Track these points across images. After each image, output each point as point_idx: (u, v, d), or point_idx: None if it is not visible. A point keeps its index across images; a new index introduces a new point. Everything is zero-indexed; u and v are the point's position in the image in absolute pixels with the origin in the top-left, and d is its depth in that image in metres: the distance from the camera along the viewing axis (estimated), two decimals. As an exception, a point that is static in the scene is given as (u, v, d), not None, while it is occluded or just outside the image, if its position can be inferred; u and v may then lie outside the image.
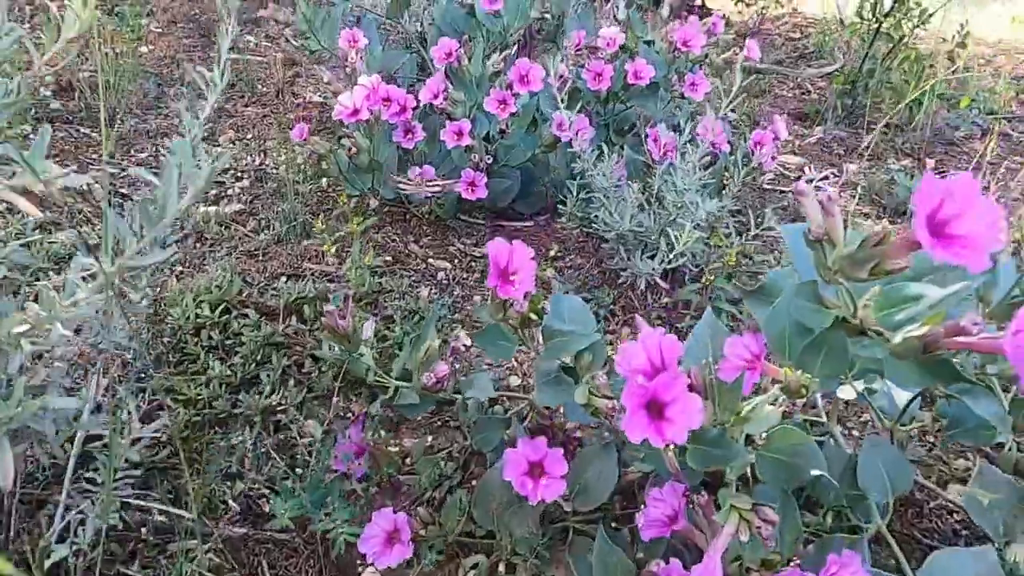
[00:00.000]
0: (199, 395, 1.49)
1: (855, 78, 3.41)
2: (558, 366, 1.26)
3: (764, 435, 1.05)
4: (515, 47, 2.58)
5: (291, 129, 2.20)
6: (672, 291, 1.91)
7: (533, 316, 1.20)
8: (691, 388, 0.97)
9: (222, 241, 2.13)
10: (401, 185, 2.05)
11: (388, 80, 2.48)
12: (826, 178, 2.89)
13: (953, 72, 3.73)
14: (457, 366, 1.70)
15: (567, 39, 2.44)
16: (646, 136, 2.14)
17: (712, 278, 1.78)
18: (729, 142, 2.30)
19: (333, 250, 2.01)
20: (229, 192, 2.50)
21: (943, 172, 3.06)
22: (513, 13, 2.37)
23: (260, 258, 2.05)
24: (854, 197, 2.76)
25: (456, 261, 2.13)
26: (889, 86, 3.45)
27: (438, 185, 2.03)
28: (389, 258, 2.09)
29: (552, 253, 2.20)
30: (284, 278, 1.94)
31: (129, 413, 1.14)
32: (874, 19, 3.33)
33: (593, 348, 1.22)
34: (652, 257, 1.88)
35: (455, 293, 1.98)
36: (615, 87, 2.31)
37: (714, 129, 2.25)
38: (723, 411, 1.01)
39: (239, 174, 2.62)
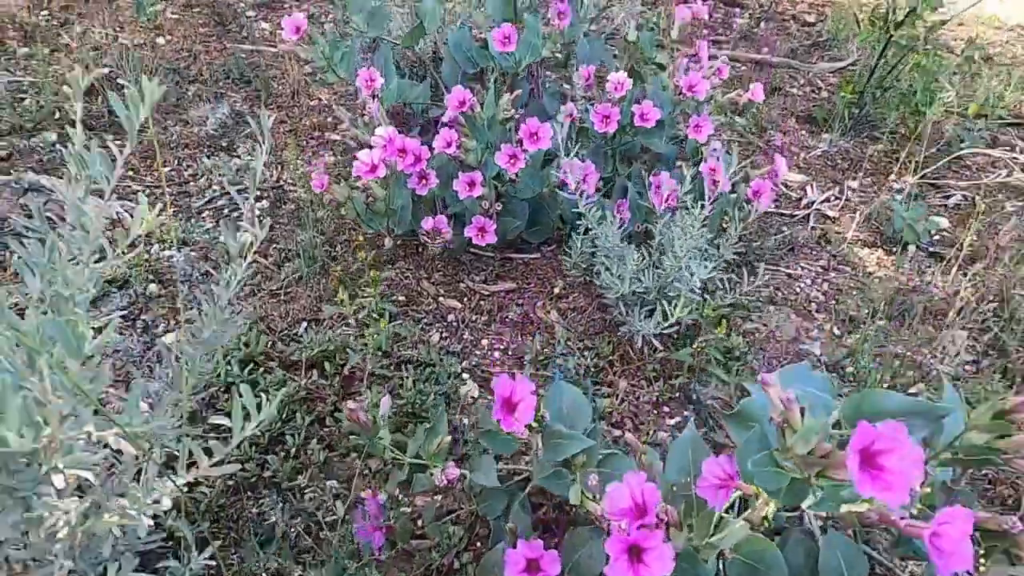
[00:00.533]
0: (232, 455, 1.66)
1: (863, 88, 3.50)
2: (557, 460, 1.42)
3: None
4: (525, 81, 2.70)
5: (310, 168, 2.34)
6: (668, 348, 2.06)
7: (535, 425, 1.35)
8: (668, 525, 1.13)
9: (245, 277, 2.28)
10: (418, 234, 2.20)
11: (403, 107, 2.61)
12: (827, 200, 3.01)
13: (965, 75, 3.81)
14: (466, 422, 1.87)
15: (576, 74, 2.55)
16: (649, 184, 2.27)
17: (704, 345, 1.93)
18: (732, 182, 2.42)
19: (347, 296, 2.16)
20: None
21: (944, 188, 3.17)
22: (524, 48, 2.48)
23: (282, 298, 2.21)
24: (853, 220, 2.89)
25: (466, 300, 2.29)
26: (898, 93, 3.54)
27: (449, 238, 2.17)
28: (402, 297, 2.25)
29: (557, 290, 2.35)
30: (305, 323, 2.10)
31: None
32: (885, 29, 3.40)
33: (588, 451, 1.38)
34: (651, 314, 2.03)
35: (464, 337, 2.14)
36: (622, 125, 2.43)
37: (717, 171, 2.38)
38: (698, 536, 1.18)
39: (258, 192, 2.76)
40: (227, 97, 3.45)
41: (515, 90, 2.47)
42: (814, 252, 2.70)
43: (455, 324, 2.19)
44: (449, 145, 2.19)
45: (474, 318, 2.21)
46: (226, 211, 2.66)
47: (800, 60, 4.45)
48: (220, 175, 2.86)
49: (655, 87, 2.53)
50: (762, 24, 4.88)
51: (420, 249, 2.42)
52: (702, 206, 2.02)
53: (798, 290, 2.50)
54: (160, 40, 3.85)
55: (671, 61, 2.78)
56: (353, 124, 2.31)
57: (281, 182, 2.86)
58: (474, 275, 2.39)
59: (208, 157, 2.99)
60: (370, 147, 2.14)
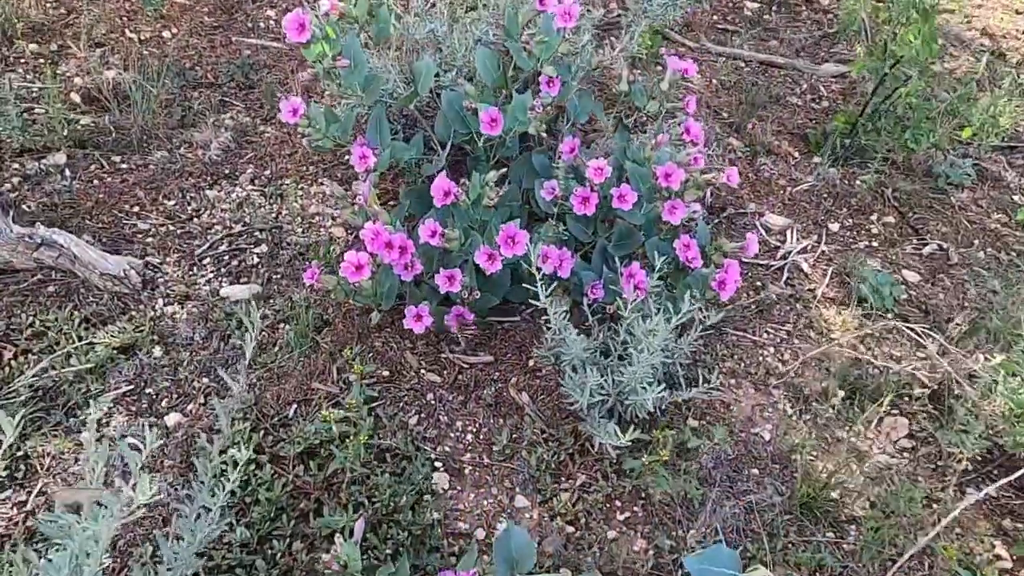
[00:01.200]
0: (224, 559, 1.94)
1: (855, 120, 3.61)
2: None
3: None
4: (516, 141, 2.85)
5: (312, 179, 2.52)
6: (623, 450, 2.29)
7: None
8: None
9: (242, 344, 2.52)
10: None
11: (395, 167, 2.78)
12: (804, 250, 3.19)
13: (965, 98, 3.90)
14: (436, 515, 2.13)
15: (562, 143, 2.71)
16: (621, 273, 2.47)
17: (654, 461, 2.17)
18: (703, 249, 2.59)
19: (336, 373, 2.40)
20: (248, 261, 2.85)
21: (923, 231, 3.34)
22: (511, 122, 2.63)
23: (275, 371, 2.44)
24: (825, 276, 3.07)
25: (446, 372, 2.52)
26: (892, 120, 3.64)
27: (430, 324, 2.39)
28: (386, 372, 2.48)
29: (532, 362, 2.57)
30: (295, 406, 2.34)
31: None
32: (883, 61, 3.49)
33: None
34: (610, 415, 2.26)
35: (440, 420, 2.38)
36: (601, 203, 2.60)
37: (690, 249, 2.56)
38: None
39: (258, 233, 2.96)
40: (231, 107, 3.60)
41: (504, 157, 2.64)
42: (782, 314, 2.90)
43: (433, 404, 2.43)
44: (433, 235, 2.38)
45: (451, 397, 2.45)
46: (226, 258, 2.86)
47: (807, 57, 4.52)
48: (222, 210, 3.06)
49: (633, 167, 2.69)
50: (774, 10, 4.92)
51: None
52: (667, 319, 2.22)
53: (760, 359, 2.71)
54: (166, 33, 3.97)
55: (661, 112, 2.93)
56: (342, 204, 2.50)
57: (280, 219, 3.06)
58: (455, 345, 2.61)
59: (210, 187, 3.17)
60: (360, 231, 2.33)
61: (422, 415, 2.39)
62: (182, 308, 2.66)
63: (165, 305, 2.66)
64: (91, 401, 2.31)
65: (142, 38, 3.91)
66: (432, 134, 2.91)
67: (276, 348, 2.52)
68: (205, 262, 2.86)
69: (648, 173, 2.68)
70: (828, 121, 3.94)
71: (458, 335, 2.53)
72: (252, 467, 2.11)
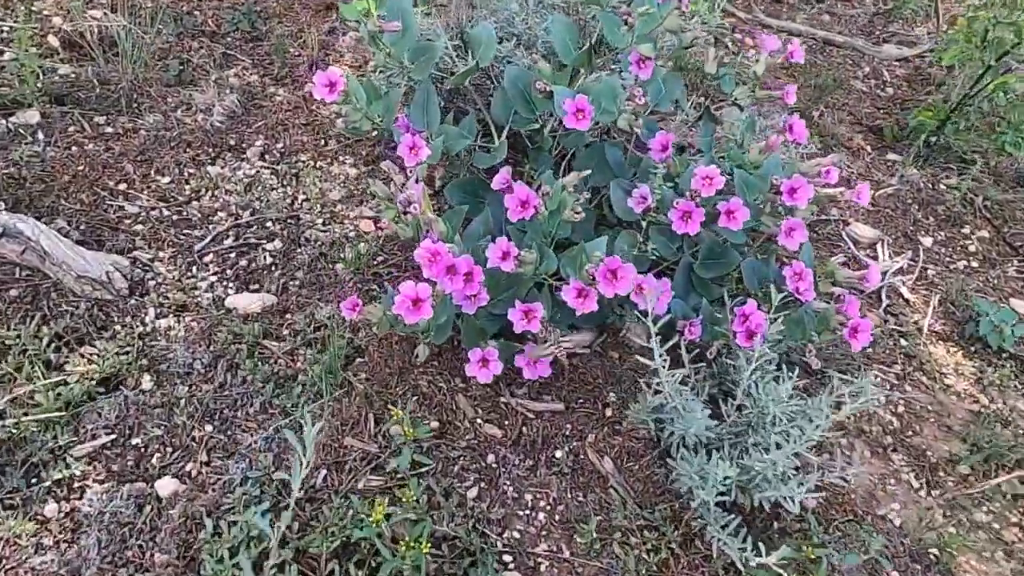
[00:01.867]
0: None
1: (944, 116, 3.00)
2: None
3: None
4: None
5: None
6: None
7: None
8: None
9: (255, 378, 1.89)
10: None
11: (445, 156, 2.13)
12: (901, 270, 2.60)
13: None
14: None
15: (651, 141, 2.07)
16: (732, 311, 1.87)
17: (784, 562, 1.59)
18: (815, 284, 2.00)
19: (373, 420, 1.79)
20: (259, 261, 2.20)
21: (1022, 252, 2.76)
22: (597, 110, 1.99)
23: (296, 419, 1.82)
24: (929, 304, 2.49)
25: (508, 425, 1.91)
26: (982, 119, 3.05)
27: (499, 371, 1.78)
28: (435, 423, 1.86)
29: (609, 411, 1.97)
30: (324, 471, 1.72)
31: None
32: (982, 50, 2.87)
33: None
34: (736, 532, 1.66)
35: (506, 493, 1.78)
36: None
37: (803, 277, 1.97)
38: None
39: (271, 224, 2.30)
40: (235, 61, 2.90)
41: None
42: (887, 352, 2.32)
43: (495, 468, 1.82)
44: (505, 258, 1.75)
45: (517, 459, 1.84)
46: (233, 256, 2.21)
47: (865, 36, 3.89)
48: (227, 192, 2.39)
49: (743, 176, 2.06)
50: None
51: (456, 349, 2.01)
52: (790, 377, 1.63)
53: (871, 412, 2.14)
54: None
55: (752, 98, 2.29)
56: (384, 207, 1.85)
57: (297, 208, 2.39)
58: (515, 387, 1.99)
59: (213, 162, 2.50)
60: (415, 251, 1.70)
61: (483, 484, 1.79)
62: (179, 322, 2.01)
63: (157, 317, 2.01)
64: (60, 458, 1.68)
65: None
66: (486, 114, 2.25)
67: (298, 387, 1.88)
68: (207, 260, 2.20)
69: (760, 184, 2.06)
70: (897, 111, 3.33)
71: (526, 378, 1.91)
72: (272, 572, 1.50)
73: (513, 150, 2.33)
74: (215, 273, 2.16)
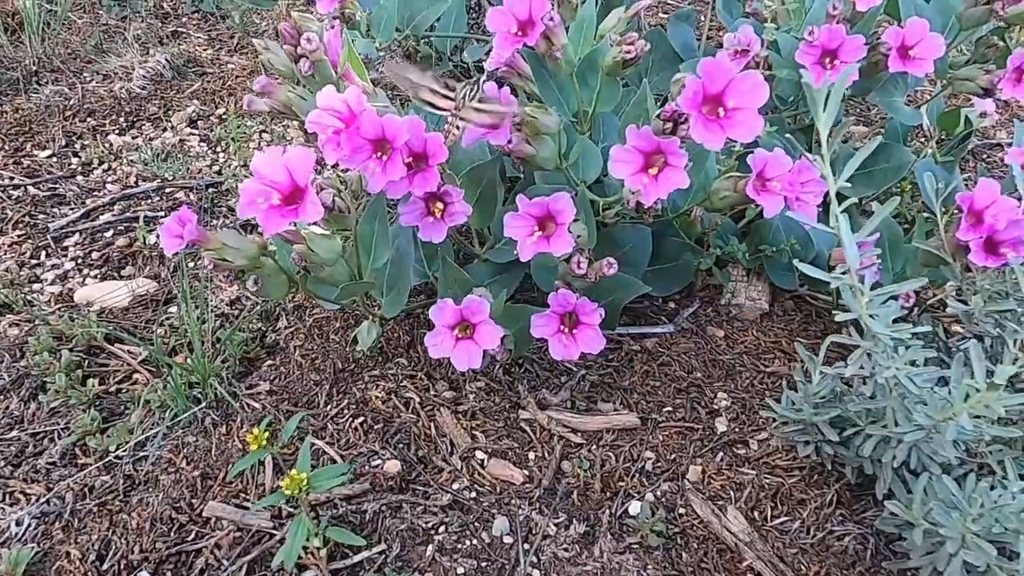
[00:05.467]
0: None
1: None
2: None
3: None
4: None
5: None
6: None
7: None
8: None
9: (71, 407, 0.97)
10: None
11: (414, 47, 1.23)
12: None
13: None
14: None
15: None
16: (957, 212, 0.88)
17: None
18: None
19: (271, 465, 0.84)
20: (146, 240, 1.31)
21: None
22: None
23: (136, 482, 0.88)
24: None
25: (534, 456, 0.93)
26: None
27: (498, 348, 0.81)
28: (397, 463, 0.90)
29: (721, 426, 0.98)
30: (171, 570, 0.77)
31: None
32: None
33: None
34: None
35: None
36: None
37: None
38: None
39: (181, 194, 1.42)
40: (186, 38, 2.09)
41: None
42: None
43: (508, 545, 0.84)
44: (496, 126, 0.81)
45: (552, 525, 0.86)
46: (108, 235, 1.33)
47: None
48: (129, 162, 1.53)
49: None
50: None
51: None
52: None
53: None
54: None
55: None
56: (279, 70, 0.95)
57: (223, 173, 1.52)
58: (545, 389, 1.02)
59: (123, 132, 1.65)
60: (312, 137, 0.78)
61: (486, 579, 0.80)
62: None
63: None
64: None
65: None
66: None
67: (140, 415, 0.95)
68: (67, 243, 1.32)
69: (954, 5, 1.09)
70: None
71: (566, 366, 0.95)
72: None
73: None
74: (74, 259, 1.28)
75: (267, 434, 0.74)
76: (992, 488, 0.67)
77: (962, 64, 1.14)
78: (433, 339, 0.81)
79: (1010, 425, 0.73)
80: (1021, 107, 1.99)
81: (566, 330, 0.86)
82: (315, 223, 0.74)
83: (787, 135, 1.09)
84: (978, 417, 0.64)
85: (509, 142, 0.81)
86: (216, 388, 0.95)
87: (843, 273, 0.66)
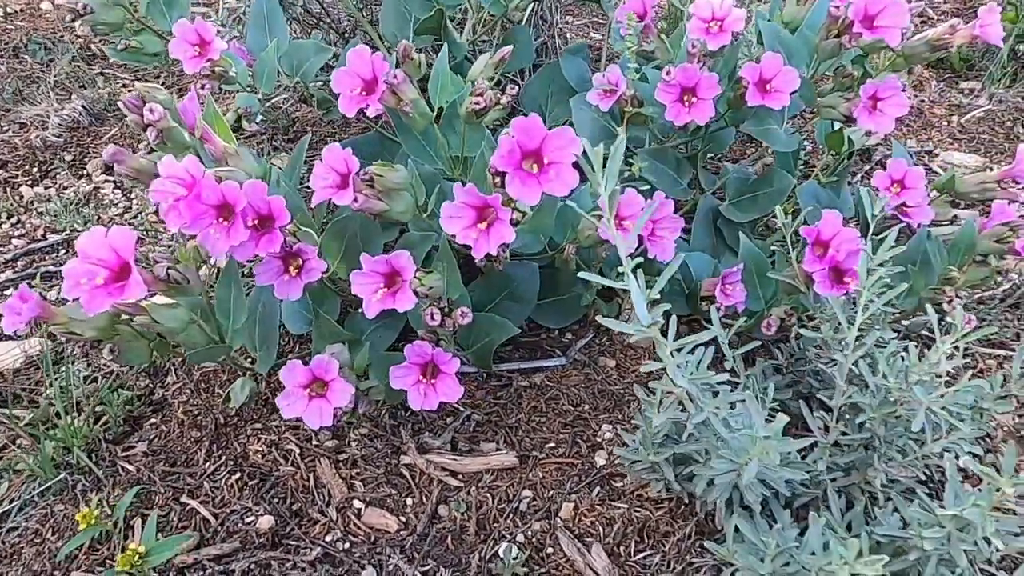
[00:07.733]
0: None
1: (1035, 13, 2.01)
2: None
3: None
4: (525, 28, 1.29)
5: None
6: None
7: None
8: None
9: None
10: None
11: (304, 90, 1.22)
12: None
13: None
14: None
15: (615, 3, 1.14)
16: (803, 242, 0.88)
17: None
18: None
19: (141, 529, 0.82)
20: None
21: None
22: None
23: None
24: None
25: (411, 503, 0.92)
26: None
27: (349, 402, 0.80)
28: (272, 517, 0.88)
29: (600, 459, 0.98)
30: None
31: None
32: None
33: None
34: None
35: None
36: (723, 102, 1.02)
37: (912, 185, 0.99)
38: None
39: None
40: (115, 80, 2.06)
41: (505, 45, 1.08)
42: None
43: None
44: (345, 184, 0.80)
45: (420, 572, 0.84)
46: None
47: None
48: (38, 214, 1.51)
49: (770, 27, 1.10)
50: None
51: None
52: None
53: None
54: (46, 4, 2.47)
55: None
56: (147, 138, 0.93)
57: (138, 226, 1.50)
58: (429, 432, 1.01)
59: (34, 183, 1.62)
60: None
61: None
62: None
63: None
64: None
65: (8, 10, 2.42)
66: (373, 33, 1.34)
67: (25, 482, 0.93)
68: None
69: (802, 46, 1.10)
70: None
71: (453, 407, 0.94)
72: None
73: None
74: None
75: (97, 512, 0.72)
76: (831, 528, 0.67)
77: (827, 92, 1.15)
78: (285, 399, 0.79)
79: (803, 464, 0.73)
80: (935, 115, 2.02)
81: (425, 380, 0.85)
82: (156, 293, 0.73)
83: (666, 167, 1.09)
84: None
85: (355, 200, 0.80)
86: (80, 456, 0.93)
87: (648, 327, 0.66)
